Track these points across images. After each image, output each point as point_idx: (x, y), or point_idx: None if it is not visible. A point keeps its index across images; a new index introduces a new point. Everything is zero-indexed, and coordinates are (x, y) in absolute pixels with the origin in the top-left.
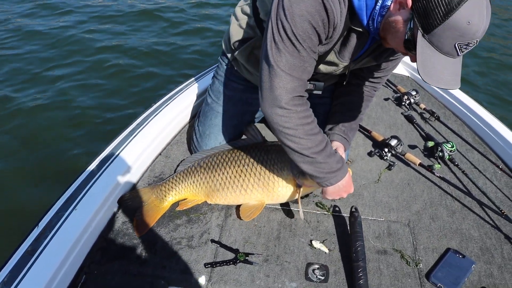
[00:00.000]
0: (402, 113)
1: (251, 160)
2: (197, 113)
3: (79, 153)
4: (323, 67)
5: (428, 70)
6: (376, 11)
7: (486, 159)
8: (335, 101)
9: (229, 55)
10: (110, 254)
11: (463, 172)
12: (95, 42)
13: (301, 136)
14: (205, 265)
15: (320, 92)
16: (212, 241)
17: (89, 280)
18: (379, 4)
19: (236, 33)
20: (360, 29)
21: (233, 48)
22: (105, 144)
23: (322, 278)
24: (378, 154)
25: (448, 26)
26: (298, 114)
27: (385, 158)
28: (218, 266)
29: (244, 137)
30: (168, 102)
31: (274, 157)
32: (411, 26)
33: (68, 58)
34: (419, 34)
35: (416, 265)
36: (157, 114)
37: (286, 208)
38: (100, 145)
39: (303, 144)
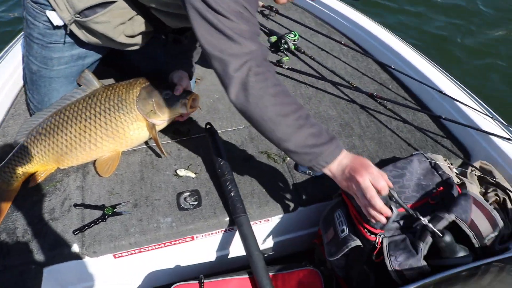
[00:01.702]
0: None
1: (93, 111)
2: (24, 80)
3: None
4: None
5: None
6: None
7: (331, 39)
8: None
9: (63, 17)
10: None
11: (311, 57)
12: None
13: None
14: (74, 232)
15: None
16: (75, 205)
17: None
18: None
19: None
20: None
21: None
22: None
23: (196, 203)
24: None
25: None
26: None
27: None
28: (88, 228)
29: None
30: None
31: (117, 101)
32: None
33: None
34: None
35: (284, 160)
36: None
37: (143, 146)
38: None
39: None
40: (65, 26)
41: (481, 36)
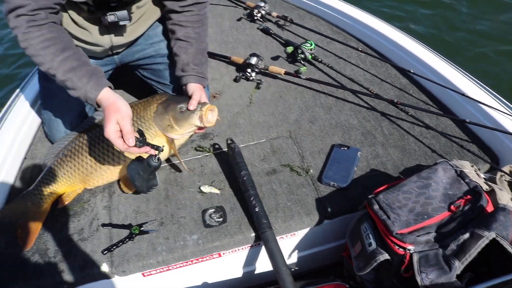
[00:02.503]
0: (257, 28)
1: None
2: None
3: None
4: None
5: None
6: None
7: (347, 46)
8: (172, 42)
9: None
10: (2, 281)
11: (328, 66)
12: None
13: None
14: (103, 251)
15: (127, 21)
16: (103, 225)
17: None
18: None
19: None
20: None
21: None
22: None
23: (221, 219)
24: (243, 77)
25: None
26: None
27: (251, 78)
28: (116, 247)
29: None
30: (17, 99)
31: (136, 118)
32: None
33: None
34: None
35: (307, 173)
36: (8, 115)
37: (167, 164)
38: None
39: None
40: None
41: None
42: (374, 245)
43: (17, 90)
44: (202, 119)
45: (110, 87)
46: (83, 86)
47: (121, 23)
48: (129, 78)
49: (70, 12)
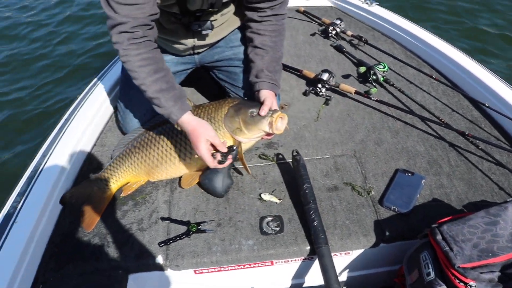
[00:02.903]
0: (331, 45)
1: None
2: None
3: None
4: None
5: None
6: None
7: (421, 72)
8: (249, 49)
9: None
10: (64, 257)
11: (399, 90)
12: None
13: None
14: (159, 244)
15: (209, 31)
16: (162, 218)
17: None
18: None
19: None
20: None
21: None
22: (37, 144)
23: (277, 229)
24: (313, 91)
25: None
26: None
27: (320, 94)
28: (172, 242)
29: None
30: (93, 89)
31: (206, 118)
32: None
33: None
34: None
35: (368, 194)
36: (83, 104)
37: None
38: (30, 146)
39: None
40: None
41: None
42: (432, 275)
43: (94, 79)
44: (272, 125)
45: (190, 111)
46: (169, 107)
47: (204, 32)
48: (202, 79)
49: (160, 18)
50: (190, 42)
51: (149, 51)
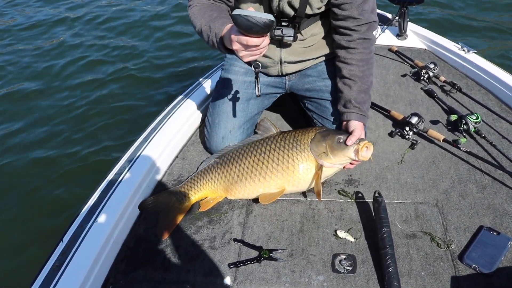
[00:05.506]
0: (421, 88)
1: (268, 148)
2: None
3: (97, 159)
4: None
5: None
6: None
7: None
8: (338, 79)
9: None
10: (135, 262)
11: (491, 144)
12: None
13: None
14: (229, 265)
15: (291, 38)
16: (235, 240)
17: None
18: None
19: None
20: None
21: None
22: (123, 151)
23: (350, 268)
24: (399, 133)
25: None
26: None
27: (407, 137)
28: (243, 265)
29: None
30: (181, 103)
31: (292, 140)
32: None
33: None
34: None
35: (448, 247)
36: (170, 116)
37: (308, 199)
38: (118, 150)
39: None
40: None
41: None
42: None
43: (184, 93)
44: (358, 152)
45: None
46: (214, 27)
47: (286, 39)
48: (289, 109)
49: None
50: (277, 53)
51: (213, 4)
